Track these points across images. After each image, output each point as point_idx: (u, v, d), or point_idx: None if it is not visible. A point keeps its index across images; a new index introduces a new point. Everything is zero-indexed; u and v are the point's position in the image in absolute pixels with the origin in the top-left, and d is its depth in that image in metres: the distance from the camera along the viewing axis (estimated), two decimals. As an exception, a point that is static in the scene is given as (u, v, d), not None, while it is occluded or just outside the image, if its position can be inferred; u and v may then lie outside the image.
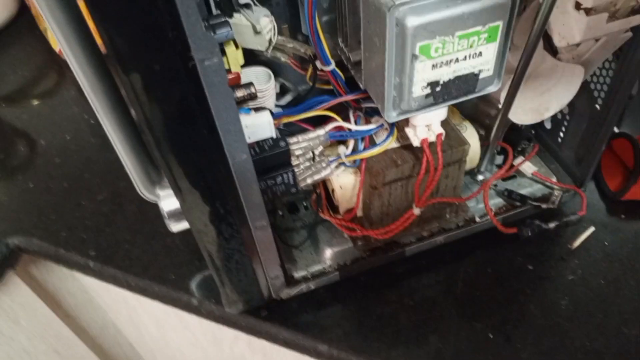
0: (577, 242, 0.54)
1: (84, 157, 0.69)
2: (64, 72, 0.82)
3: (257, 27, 0.37)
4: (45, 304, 0.72)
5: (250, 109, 0.37)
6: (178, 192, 0.34)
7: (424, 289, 0.52)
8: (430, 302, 0.51)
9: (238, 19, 0.38)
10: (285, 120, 0.40)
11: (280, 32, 0.40)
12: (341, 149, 0.44)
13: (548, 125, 0.57)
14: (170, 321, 0.70)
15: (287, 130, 0.42)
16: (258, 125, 0.36)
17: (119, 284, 0.57)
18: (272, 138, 0.40)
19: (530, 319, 0.49)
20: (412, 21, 0.31)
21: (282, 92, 0.49)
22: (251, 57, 0.44)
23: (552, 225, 0.51)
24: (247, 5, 0.38)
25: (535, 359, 0.47)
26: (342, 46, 0.41)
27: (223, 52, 0.36)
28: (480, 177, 0.56)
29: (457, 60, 0.35)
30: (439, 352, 0.48)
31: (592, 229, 0.55)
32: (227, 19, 0.34)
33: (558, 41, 0.37)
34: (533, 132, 0.59)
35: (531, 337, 0.48)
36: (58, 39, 0.30)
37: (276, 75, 0.49)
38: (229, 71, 0.36)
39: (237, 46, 0.36)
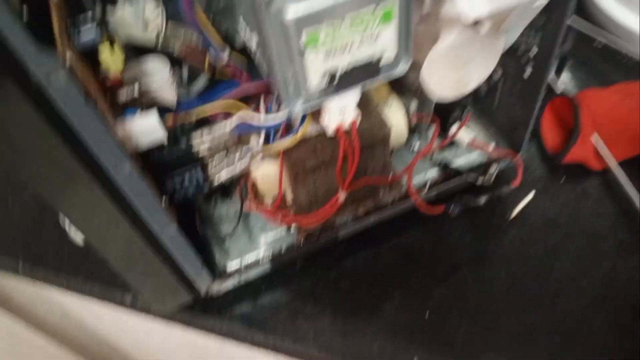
0: (516, 211, 0.53)
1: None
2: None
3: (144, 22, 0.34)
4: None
5: (137, 109, 0.34)
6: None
7: (360, 270, 0.51)
8: (366, 283, 0.50)
9: (121, 11, 0.34)
10: (181, 120, 0.37)
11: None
12: (253, 141, 0.41)
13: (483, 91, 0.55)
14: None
15: (190, 126, 0.39)
16: (145, 129, 0.33)
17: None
18: (172, 136, 0.38)
19: (467, 297, 0.49)
20: (291, 13, 0.28)
21: (192, 77, 0.46)
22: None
23: (482, 200, 0.49)
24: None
25: (470, 339, 0.46)
26: (244, 24, 0.38)
27: (96, 57, 0.32)
28: (415, 148, 0.54)
29: (352, 45, 0.32)
30: (375, 335, 0.47)
31: (531, 195, 0.54)
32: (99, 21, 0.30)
33: (464, 17, 0.34)
34: (470, 97, 0.57)
35: (467, 316, 0.47)
36: None
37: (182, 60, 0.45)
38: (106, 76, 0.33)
39: (113, 46, 0.32)
